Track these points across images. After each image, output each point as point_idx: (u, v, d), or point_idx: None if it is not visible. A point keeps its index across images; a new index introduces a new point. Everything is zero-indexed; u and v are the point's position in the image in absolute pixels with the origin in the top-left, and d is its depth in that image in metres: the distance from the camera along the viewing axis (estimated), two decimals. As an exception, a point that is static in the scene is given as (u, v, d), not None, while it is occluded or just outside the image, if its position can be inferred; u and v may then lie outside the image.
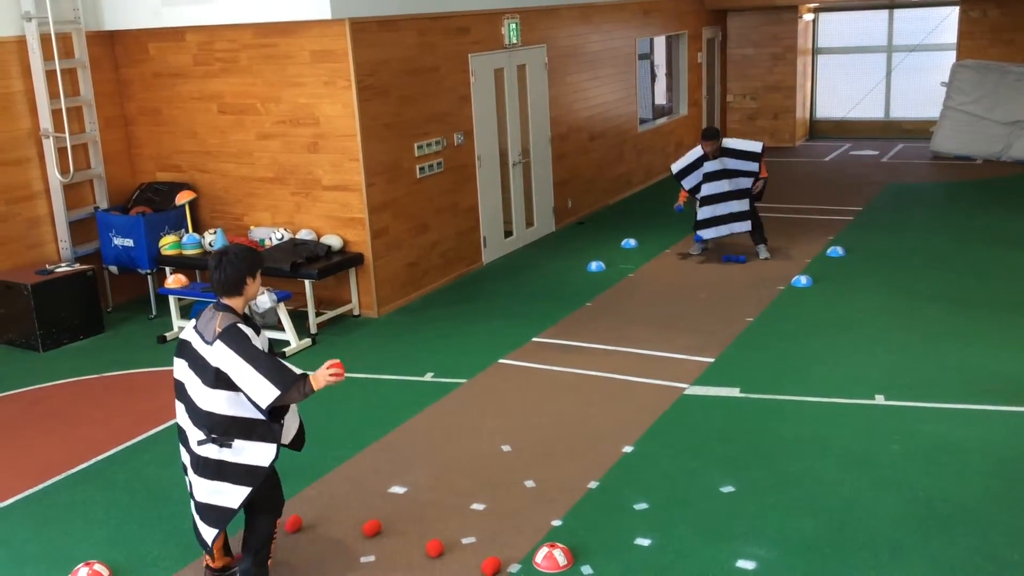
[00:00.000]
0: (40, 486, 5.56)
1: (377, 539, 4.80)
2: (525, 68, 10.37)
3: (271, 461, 4.08)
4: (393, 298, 8.61)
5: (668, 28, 14.06)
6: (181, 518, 5.09)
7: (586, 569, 4.45)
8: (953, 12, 15.79)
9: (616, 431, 5.88)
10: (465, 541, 4.73)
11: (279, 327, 7.71)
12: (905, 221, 10.91)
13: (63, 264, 8.23)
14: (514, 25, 10.00)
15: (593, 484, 5.24)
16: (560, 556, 4.48)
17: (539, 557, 4.50)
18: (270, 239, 8.36)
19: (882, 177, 13.54)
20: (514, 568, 4.49)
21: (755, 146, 9.35)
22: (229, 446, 4.00)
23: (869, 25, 16.96)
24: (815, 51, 17.32)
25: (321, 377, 4.08)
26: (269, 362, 3.96)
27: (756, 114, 16.73)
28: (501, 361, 7.18)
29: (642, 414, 6.11)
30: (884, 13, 16.77)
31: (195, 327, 4.13)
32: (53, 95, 8.31)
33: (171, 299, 8.11)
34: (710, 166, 9.37)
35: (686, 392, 6.43)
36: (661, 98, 15.03)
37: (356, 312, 8.44)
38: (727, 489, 5.12)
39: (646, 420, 6.01)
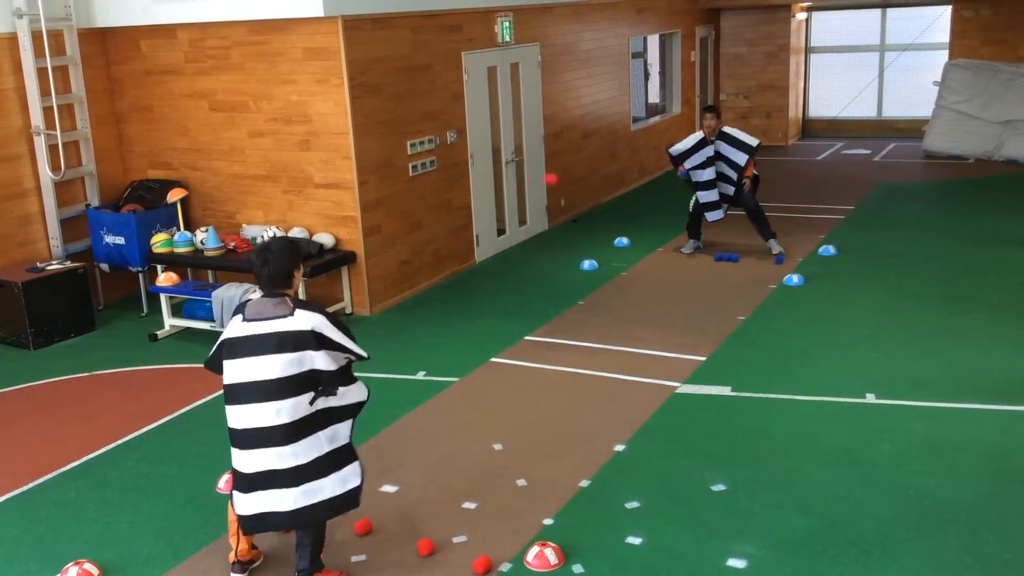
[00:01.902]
0: (31, 484, 5.54)
1: (368, 538, 4.80)
2: (518, 66, 10.36)
3: (367, 394, 4.33)
4: (386, 296, 8.60)
5: (661, 26, 14.06)
6: (173, 517, 5.09)
7: (577, 568, 4.45)
8: (945, 11, 15.83)
9: (608, 430, 5.89)
10: (456, 540, 4.73)
11: (271, 325, 7.68)
12: (897, 220, 10.94)
13: (54, 262, 8.21)
14: (507, 23, 9.99)
15: (585, 483, 5.24)
16: (551, 555, 4.48)
17: (530, 556, 4.50)
18: (262, 237, 8.34)
19: (874, 176, 13.57)
20: (505, 567, 4.49)
21: (752, 140, 9.32)
22: (334, 394, 4.19)
23: (862, 24, 17.00)
24: (808, 50, 17.35)
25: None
26: (348, 328, 4.27)
27: (749, 113, 16.75)
28: (493, 360, 7.18)
29: (634, 413, 6.11)
30: (877, 12, 16.80)
31: (246, 319, 4.10)
32: (44, 92, 8.28)
33: (162, 297, 8.09)
34: (708, 151, 9.31)
35: (678, 391, 6.44)
36: (654, 96, 15.05)
37: (348, 310, 8.43)
38: (718, 487, 5.13)
39: (638, 419, 6.02)
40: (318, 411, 4.16)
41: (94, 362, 7.55)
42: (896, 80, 16.91)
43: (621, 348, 7.29)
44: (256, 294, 7.45)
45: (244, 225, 8.74)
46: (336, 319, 4.23)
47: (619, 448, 5.64)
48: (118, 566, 4.65)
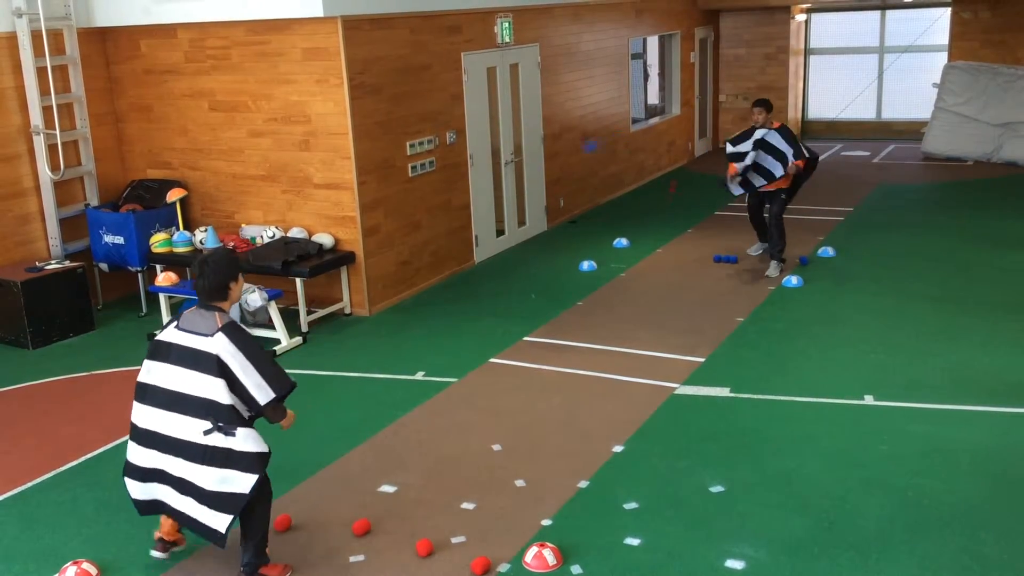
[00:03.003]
0: (29, 484, 5.54)
1: (367, 538, 4.80)
2: (518, 67, 10.37)
3: (267, 448, 4.24)
4: (384, 296, 8.60)
5: (661, 28, 14.07)
6: (170, 516, 5.09)
7: (576, 568, 4.46)
8: (945, 13, 15.84)
9: (606, 431, 5.89)
10: (455, 540, 4.74)
11: (270, 325, 7.70)
12: (896, 222, 10.95)
13: (53, 261, 8.20)
14: (507, 24, 9.99)
15: (583, 484, 5.25)
16: (550, 556, 4.48)
17: (529, 556, 4.50)
18: (261, 237, 8.35)
19: (873, 178, 13.58)
20: (504, 568, 4.49)
21: (803, 151, 8.82)
22: (233, 434, 4.13)
23: (861, 26, 17.01)
24: (807, 51, 17.36)
25: (290, 416, 4.34)
26: (272, 365, 4.15)
27: (748, 114, 16.70)
28: (492, 360, 7.18)
29: (632, 414, 6.12)
30: (876, 14, 16.81)
31: (178, 327, 4.23)
32: (44, 92, 8.28)
33: (161, 297, 8.09)
34: (756, 134, 8.87)
35: (676, 392, 6.44)
36: (654, 98, 15.06)
37: (347, 310, 8.44)
38: (716, 489, 5.13)
39: (636, 420, 6.02)
40: (216, 447, 4.14)
41: (93, 362, 7.54)
42: (895, 82, 16.92)
43: (620, 349, 7.29)
44: (253, 294, 7.48)
45: (243, 225, 8.74)
46: (257, 353, 4.13)
47: (617, 449, 5.65)
48: (117, 566, 4.65)
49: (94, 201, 8.86)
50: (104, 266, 8.74)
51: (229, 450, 4.14)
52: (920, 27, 16.40)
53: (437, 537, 4.75)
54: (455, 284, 9.27)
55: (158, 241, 8.42)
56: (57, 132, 8.36)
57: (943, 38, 15.86)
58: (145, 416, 4.29)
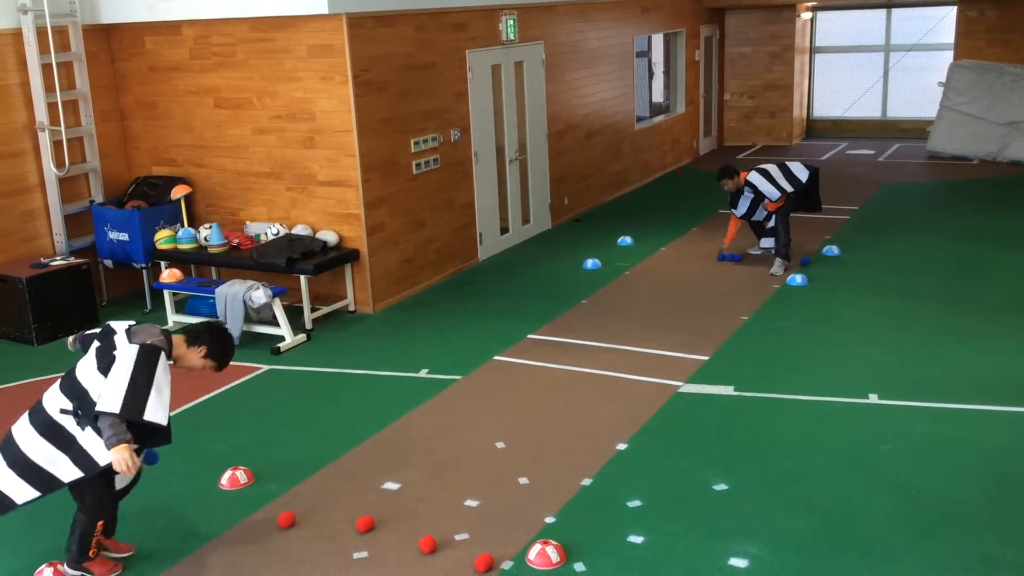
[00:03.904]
0: (33, 480, 5.55)
1: (370, 535, 4.80)
2: (522, 65, 10.36)
3: (105, 465, 4.19)
4: (388, 294, 8.60)
5: (666, 26, 14.06)
6: (176, 513, 5.09)
7: (579, 566, 4.46)
8: (951, 12, 15.80)
9: (610, 428, 5.89)
10: (458, 537, 4.74)
11: (274, 322, 7.71)
12: (901, 221, 10.93)
13: (58, 258, 8.22)
14: (512, 21, 9.99)
15: (587, 481, 5.25)
16: (553, 553, 4.48)
17: (532, 554, 4.50)
18: (266, 234, 8.35)
19: (878, 176, 13.56)
20: (507, 565, 4.49)
21: (778, 191, 8.99)
22: (83, 428, 4.21)
23: (867, 24, 16.97)
24: (813, 50, 17.33)
25: (121, 451, 4.12)
26: (142, 394, 4.14)
27: (753, 113, 16.74)
28: (496, 358, 7.18)
29: (636, 412, 6.11)
30: (882, 12, 16.78)
31: (128, 329, 4.34)
32: (49, 88, 8.29)
33: (166, 293, 8.10)
34: (748, 196, 9.07)
35: (680, 390, 6.44)
36: (658, 96, 15.04)
37: (351, 308, 8.44)
38: (720, 487, 5.13)
39: (640, 418, 6.02)
40: (62, 427, 4.20)
41: (97, 358, 7.54)
42: (901, 81, 16.88)
43: (624, 347, 7.29)
44: (257, 291, 7.48)
45: (248, 222, 8.74)
46: (145, 381, 4.16)
47: (621, 447, 5.64)
48: (125, 561, 4.65)
49: (99, 198, 8.87)
50: (109, 262, 8.75)
51: (72, 438, 4.21)
52: (926, 26, 16.36)
53: (440, 534, 4.75)
54: (459, 282, 9.27)
55: (163, 238, 8.43)
56: (62, 129, 8.37)
57: (949, 37, 15.82)
58: (54, 385, 4.41)
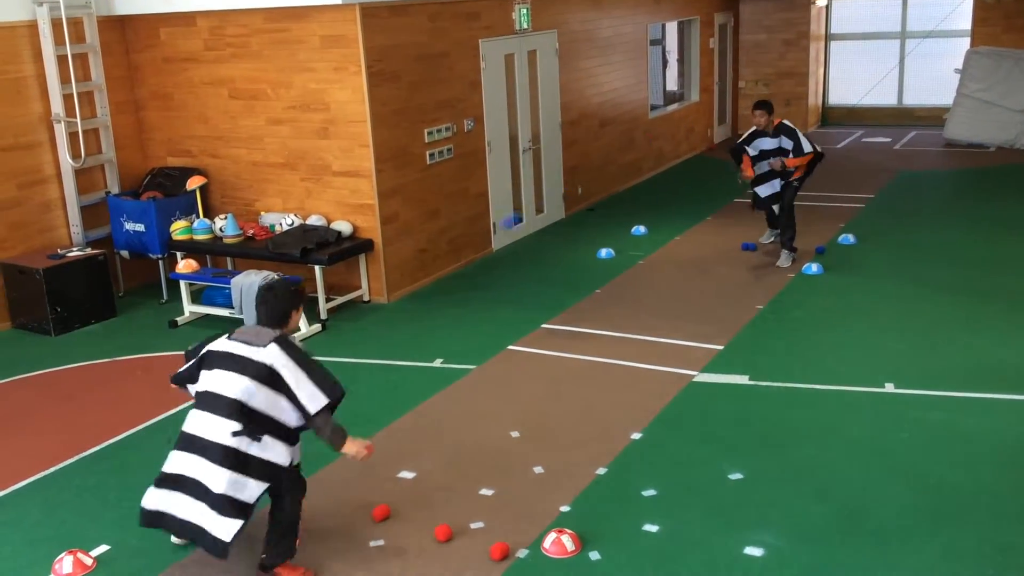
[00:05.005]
0: (52, 469, 5.60)
1: (386, 523, 4.82)
2: (536, 54, 10.34)
3: (289, 464, 4.26)
4: (403, 284, 8.62)
5: (680, 13, 13.99)
6: (192, 502, 5.13)
7: (594, 555, 4.47)
8: (968, -2, 15.67)
9: (625, 418, 5.89)
10: (474, 526, 4.76)
11: (289, 312, 7.72)
12: (917, 209, 10.86)
13: (75, 248, 8.27)
14: (525, 10, 9.96)
15: (601, 470, 5.25)
16: (568, 542, 4.50)
17: (547, 542, 4.52)
18: (280, 225, 8.38)
19: (894, 164, 13.47)
20: (522, 553, 4.51)
21: (806, 147, 8.67)
22: (259, 440, 4.19)
23: (882, 11, 16.84)
24: (828, 37, 17.21)
25: (355, 444, 4.31)
26: (322, 372, 4.24)
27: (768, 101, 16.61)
28: (510, 347, 7.19)
29: (651, 401, 6.11)
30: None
31: (230, 338, 4.31)
32: (64, 80, 8.32)
33: (182, 284, 8.14)
34: (762, 143, 8.76)
35: (695, 379, 6.43)
36: (672, 84, 14.98)
37: (366, 298, 8.46)
38: (735, 476, 5.13)
39: (655, 407, 6.02)
40: (238, 450, 4.16)
41: (114, 348, 7.61)
42: (917, 68, 16.74)
43: (638, 336, 7.28)
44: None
45: (263, 213, 8.77)
46: (309, 362, 4.23)
47: (636, 436, 5.65)
48: (140, 550, 4.70)
49: (115, 189, 8.91)
50: (125, 253, 8.80)
51: (248, 455, 4.18)
52: (942, 12, 16.21)
53: (456, 523, 4.77)
54: (473, 272, 9.28)
55: (178, 229, 8.47)
56: (78, 120, 8.40)
57: (965, 23, 15.67)
58: (194, 422, 4.31)
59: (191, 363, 4.44)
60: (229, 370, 4.22)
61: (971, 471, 5.07)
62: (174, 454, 4.34)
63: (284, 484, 4.29)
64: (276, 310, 4.35)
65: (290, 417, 4.23)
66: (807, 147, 8.68)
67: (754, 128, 8.86)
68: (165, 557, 4.64)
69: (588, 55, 11.42)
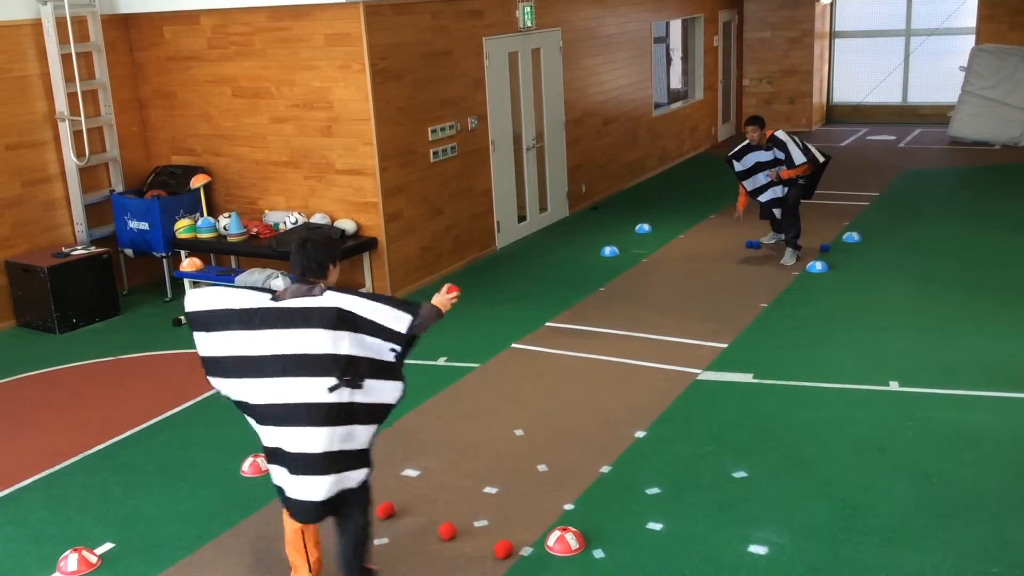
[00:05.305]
0: (57, 467, 5.61)
1: (390, 522, 4.82)
2: (539, 52, 10.33)
3: (399, 398, 3.93)
4: (407, 282, 8.62)
5: (684, 11, 13.97)
6: (197, 500, 5.14)
7: (598, 553, 4.46)
8: (973, -5, 15.63)
9: (629, 416, 5.88)
10: (478, 524, 4.76)
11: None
12: (922, 207, 10.84)
13: (79, 247, 8.28)
14: (528, 8, 9.95)
15: (605, 468, 5.25)
16: (572, 540, 4.49)
17: (551, 541, 4.52)
18: (284, 223, 8.38)
19: (899, 162, 13.44)
20: (526, 551, 4.51)
21: (798, 158, 8.66)
22: (360, 386, 3.83)
23: (887, 8, 16.80)
24: (832, 35, 17.18)
25: (446, 301, 4.02)
26: (387, 297, 3.87)
27: (772, 98, 16.62)
28: (514, 346, 7.19)
29: (655, 399, 6.11)
30: (903, -4, 16.62)
31: (273, 298, 3.85)
32: (68, 78, 8.34)
33: (186, 282, 8.14)
34: (756, 156, 8.79)
35: (699, 377, 6.42)
36: (676, 82, 14.96)
37: (370, 296, 8.45)
38: (739, 474, 5.12)
39: (659, 405, 6.02)
40: (341, 404, 3.77)
41: (119, 346, 7.62)
42: (922, 65, 16.71)
43: (642, 335, 7.28)
44: (276, 279, 7.50)
45: (266, 211, 8.78)
46: (372, 294, 3.89)
47: (640, 434, 5.64)
48: (143, 547, 4.71)
49: (119, 187, 8.93)
50: (129, 252, 8.81)
51: (353, 404, 3.81)
52: (947, 9, 16.18)
53: (460, 521, 4.77)
54: (477, 270, 9.27)
55: (182, 227, 8.48)
56: (82, 119, 8.42)
57: (971, 21, 15.64)
58: (258, 391, 3.86)
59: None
60: (293, 327, 3.77)
61: (976, 469, 5.06)
62: (264, 429, 3.93)
63: (357, 492, 3.94)
64: (315, 260, 3.89)
65: (379, 352, 3.82)
66: (799, 159, 8.70)
67: (747, 142, 8.90)
68: (169, 555, 4.64)
69: (592, 53, 11.41)
